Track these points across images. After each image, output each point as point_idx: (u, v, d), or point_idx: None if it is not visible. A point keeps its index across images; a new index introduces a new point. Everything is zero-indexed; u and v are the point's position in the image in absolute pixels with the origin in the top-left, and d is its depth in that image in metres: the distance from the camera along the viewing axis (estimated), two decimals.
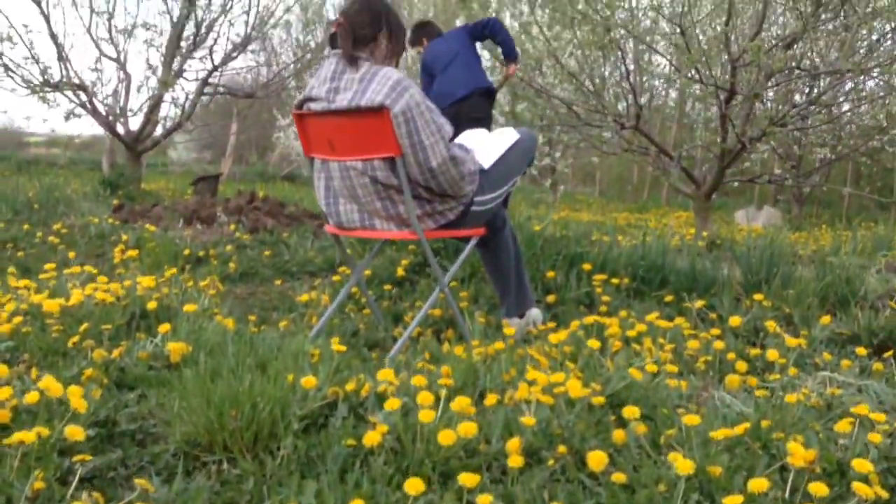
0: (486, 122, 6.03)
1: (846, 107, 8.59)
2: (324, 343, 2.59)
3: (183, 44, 9.25)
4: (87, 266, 3.56)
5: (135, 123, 9.66)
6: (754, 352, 2.76)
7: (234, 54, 9.24)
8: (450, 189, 2.83)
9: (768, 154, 10.17)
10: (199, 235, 5.57)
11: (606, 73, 7.49)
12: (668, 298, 3.60)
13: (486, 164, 3.01)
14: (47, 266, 3.34)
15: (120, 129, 9.61)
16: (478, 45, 6.17)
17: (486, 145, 3.08)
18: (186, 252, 4.62)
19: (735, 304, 3.45)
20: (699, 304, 3.40)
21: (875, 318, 2.98)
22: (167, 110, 9.49)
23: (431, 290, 3.60)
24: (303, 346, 2.48)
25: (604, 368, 2.41)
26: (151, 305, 2.72)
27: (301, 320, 3.37)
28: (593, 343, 2.56)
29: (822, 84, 8.39)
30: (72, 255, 4.61)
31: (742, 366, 2.55)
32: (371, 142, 2.75)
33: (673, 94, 8.81)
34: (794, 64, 7.45)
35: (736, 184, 11.59)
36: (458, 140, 3.27)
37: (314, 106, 2.83)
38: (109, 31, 9.40)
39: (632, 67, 7.61)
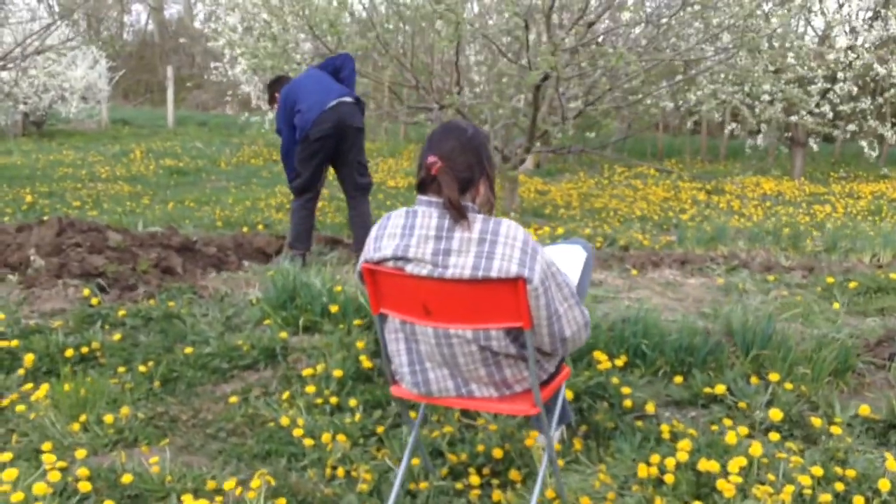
0: (363, 132, 5.59)
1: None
2: None
3: None
4: None
5: None
6: (850, 473, 2.75)
7: None
8: (571, 350, 2.46)
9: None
10: (39, 303, 4.48)
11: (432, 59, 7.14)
12: (678, 380, 3.53)
13: None
14: None
15: None
16: None
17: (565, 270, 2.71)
18: (69, 353, 3.68)
19: (746, 382, 3.46)
20: (719, 389, 3.37)
21: None
22: None
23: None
24: None
25: None
26: None
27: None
28: None
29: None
30: None
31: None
32: (491, 311, 2.28)
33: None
34: (596, 41, 7.61)
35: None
36: None
37: (414, 269, 2.27)
38: None
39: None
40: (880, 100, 13.35)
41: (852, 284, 5.28)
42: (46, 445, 2.88)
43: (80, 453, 2.79)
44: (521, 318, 2.26)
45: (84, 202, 8.59)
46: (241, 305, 4.42)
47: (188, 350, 3.74)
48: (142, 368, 3.61)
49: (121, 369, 3.61)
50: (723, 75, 10.32)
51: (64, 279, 4.88)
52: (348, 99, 5.46)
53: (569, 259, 2.77)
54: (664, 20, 7.03)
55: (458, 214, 2.25)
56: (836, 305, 4.79)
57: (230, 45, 13.29)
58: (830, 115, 13.34)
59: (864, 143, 13.54)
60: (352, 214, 5.75)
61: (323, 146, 5.41)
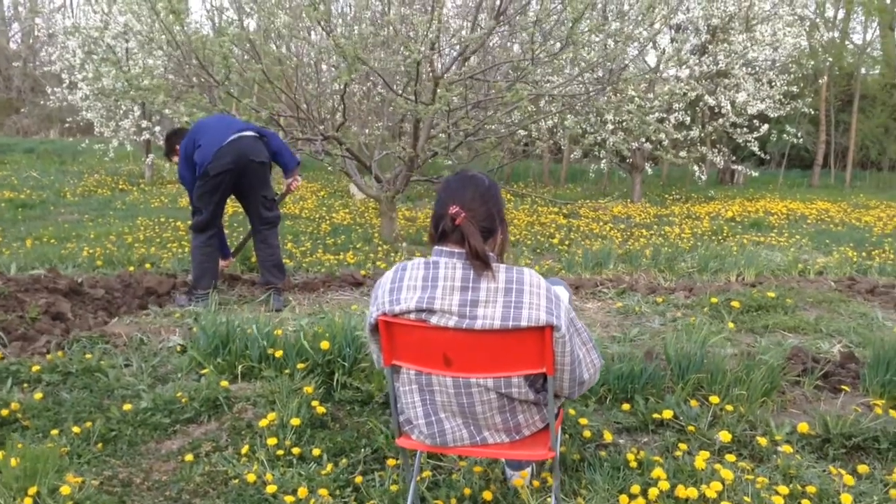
0: (268, 166, 5.41)
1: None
2: None
3: None
4: None
5: None
6: (811, 490, 2.95)
7: None
8: (583, 392, 2.53)
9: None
10: None
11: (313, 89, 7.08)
12: (626, 407, 3.68)
13: None
14: None
15: None
16: None
17: None
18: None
19: (688, 405, 3.65)
20: (667, 414, 3.55)
21: (840, 421, 3.43)
22: None
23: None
24: None
25: None
26: None
27: None
28: None
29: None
30: None
31: None
32: (515, 359, 2.31)
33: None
34: (470, 74, 7.82)
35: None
36: None
37: (440, 321, 2.25)
38: None
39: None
40: (709, 128, 14.48)
41: (735, 304, 5.69)
42: None
43: None
44: (545, 364, 2.31)
45: None
46: (164, 354, 4.18)
47: (127, 406, 3.49)
48: (76, 429, 3.33)
49: (53, 432, 3.32)
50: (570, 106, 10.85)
51: None
52: (249, 133, 5.28)
53: None
54: (541, 56, 7.30)
55: (483, 265, 2.26)
56: (732, 325, 5.16)
57: (69, 70, 12.57)
58: (666, 141, 14.32)
59: (695, 168, 14.62)
60: (260, 248, 5.54)
61: (223, 181, 5.21)
